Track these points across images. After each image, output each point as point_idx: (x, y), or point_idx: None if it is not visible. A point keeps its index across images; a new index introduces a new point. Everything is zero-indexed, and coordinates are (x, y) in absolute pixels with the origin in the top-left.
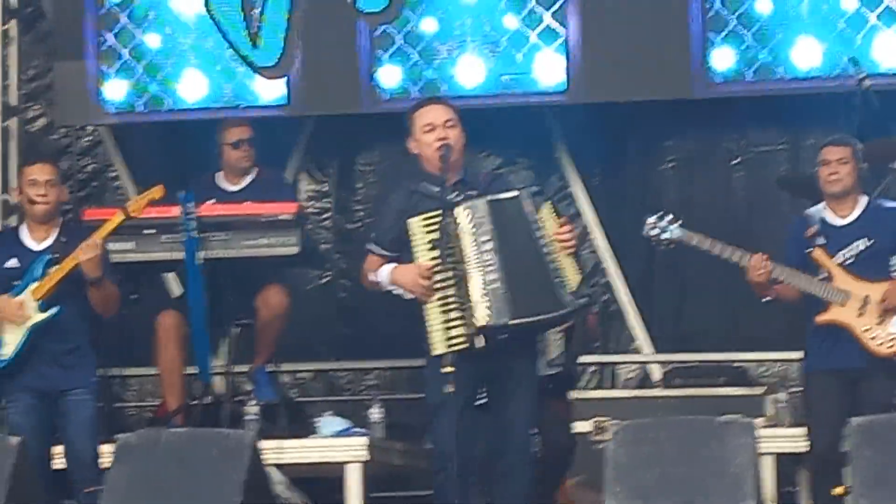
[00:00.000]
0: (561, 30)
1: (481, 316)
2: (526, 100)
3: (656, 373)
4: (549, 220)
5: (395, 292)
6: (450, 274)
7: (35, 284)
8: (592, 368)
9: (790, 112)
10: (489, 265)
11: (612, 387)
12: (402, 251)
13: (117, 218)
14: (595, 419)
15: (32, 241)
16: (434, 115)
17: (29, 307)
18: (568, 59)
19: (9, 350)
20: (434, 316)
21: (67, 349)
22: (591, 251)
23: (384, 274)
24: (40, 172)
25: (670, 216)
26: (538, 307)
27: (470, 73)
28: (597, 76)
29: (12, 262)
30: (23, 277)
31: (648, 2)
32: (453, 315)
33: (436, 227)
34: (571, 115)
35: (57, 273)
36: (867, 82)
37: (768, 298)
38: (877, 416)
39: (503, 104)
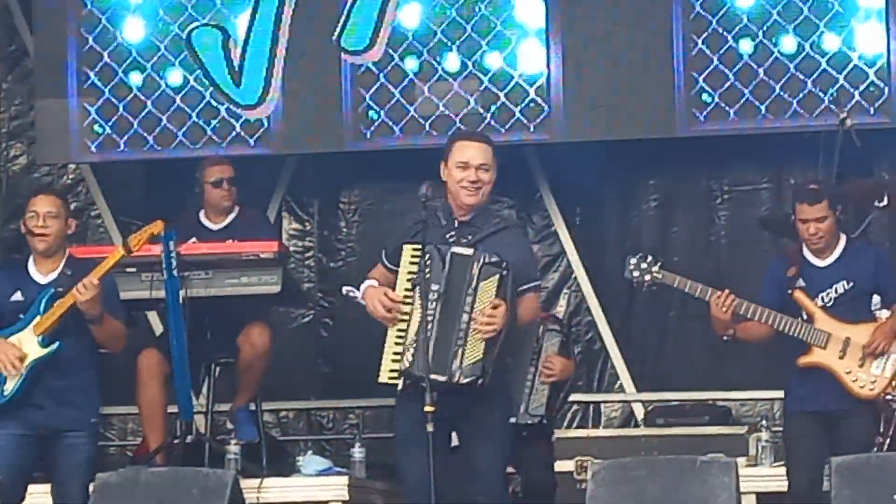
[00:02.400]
0: (544, 68)
1: (406, 360)
2: (508, 139)
3: (639, 412)
4: (485, 294)
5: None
6: (408, 309)
7: (38, 319)
8: (575, 407)
9: (772, 151)
10: (429, 314)
11: (596, 425)
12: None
13: (117, 253)
14: (577, 458)
15: (38, 273)
16: (472, 154)
17: (30, 343)
18: (550, 97)
19: (10, 386)
20: (388, 345)
21: (69, 385)
22: (574, 291)
23: (362, 287)
24: (41, 204)
25: (650, 258)
26: (445, 366)
27: (451, 111)
28: (579, 115)
29: (17, 296)
30: (27, 311)
31: (631, 40)
32: (399, 350)
33: (417, 260)
34: (553, 153)
35: (58, 308)
36: (849, 122)
37: (727, 337)
38: (857, 456)
39: None
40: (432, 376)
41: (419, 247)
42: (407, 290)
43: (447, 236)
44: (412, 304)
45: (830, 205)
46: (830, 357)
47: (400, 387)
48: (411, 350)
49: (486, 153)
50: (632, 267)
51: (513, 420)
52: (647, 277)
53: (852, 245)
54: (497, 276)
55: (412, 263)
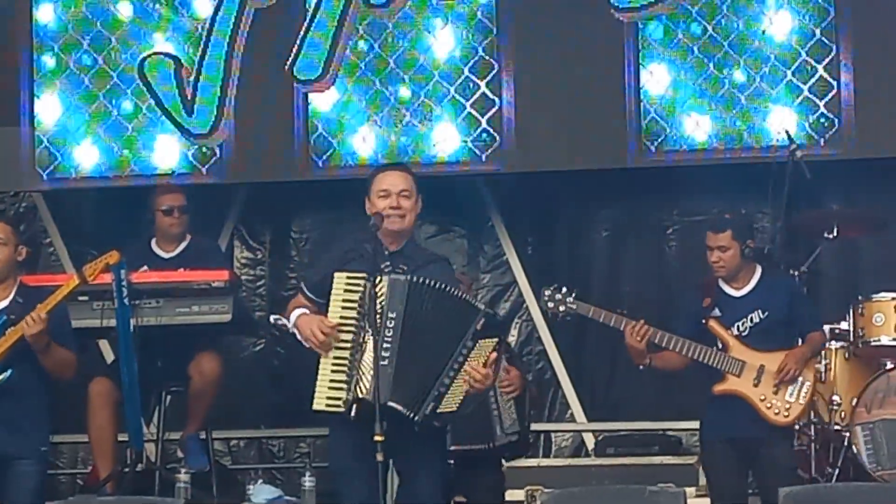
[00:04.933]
0: (496, 99)
1: (362, 388)
2: (460, 169)
3: (590, 441)
4: (482, 351)
5: (298, 337)
6: (350, 337)
7: None
8: None
9: (722, 182)
10: (386, 341)
11: (547, 455)
12: (326, 299)
13: (72, 283)
14: (528, 487)
15: None
16: (391, 181)
17: None
18: (502, 127)
19: None
20: (323, 372)
21: (19, 412)
22: (525, 320)
23: (292, 317)
24: None
25: (565, 289)
26: (410, 403)
27: (405, 141)
28: (531, 146)
29: None
30: None
31: (583, 71)
32: (341, 377)
33: (358, 288)
34: (505, 183)
35: (10, 336)
36: (799, 153)
37: (644, 367)
38: (805, 487)
39: (437, 173)
40: (396, 406)
41: (357, 275)
42: (344, 317)
43: (382, 267)
44: (354, 331)
45: (736, 236)
46: (745, 384)
47: (353, 414)
48: (368, 376)
49: (406, 181)
50: (546, 298)
51: (491, 444)
52: (562, 308)
53: (767, 276)
54: (496, 340)
55: (349, 291)
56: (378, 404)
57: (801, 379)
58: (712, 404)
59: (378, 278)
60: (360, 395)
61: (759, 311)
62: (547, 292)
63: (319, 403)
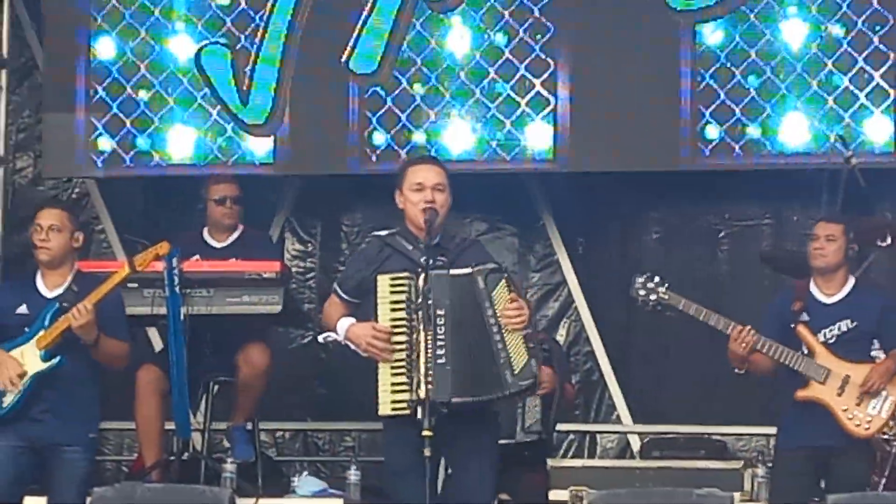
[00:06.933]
0: (550, 98)
1: (423, 389)
2: (513, 167)
3: (635, 443)
4: (501, 298)
5: (351, 347)
6: (404, 338)
7: (41, 333)
8: (572, 437)
9: (775, 187)
10: (439, 340)
11: (592, 456)
12: (363, 299)
13: (123, 271)
14: (572, 488)
15: (45, 287)
16: (426, 175)
17: (32, 356)
18: (556, 127)
19: (8, 400)
20: (384, 377)
21: (69, 400)
22: (574, 320)
23: (341, 328)
24: (45, 217)
25: (657, 278)
26: (480, 388)
27: (458, 137)
28: (585, 145)
29: (22, 309)
30: (32, 324)
31: (639, 73)
32: (402, 379)
33: (403, 288)
34: (557, 183)
35: (62, 323)
36: (854, 160)
37: (742, 371)
38: (853, 495)
39: (490, 170)
40: (487, 397)
41: (401, 276)
42: (396, 319)
43: (422, 261)
44: (407, 332)
45: (847, 232)
46: (829, 393)
47: (420, 416)
48: (428, 377)
49: (440, 174)
50: (638, 286)
51: (511, 441)
52: (653, 297)
53: (860, 287)
54: (505, 279)
55: (396, 293)
56: (428, 401)
57: (884, 393)
58: (791, 412)
59: (422, 276)
60: (423, 398)
61: (848, 321)
62: (639, 280)
63: (385, 409)
